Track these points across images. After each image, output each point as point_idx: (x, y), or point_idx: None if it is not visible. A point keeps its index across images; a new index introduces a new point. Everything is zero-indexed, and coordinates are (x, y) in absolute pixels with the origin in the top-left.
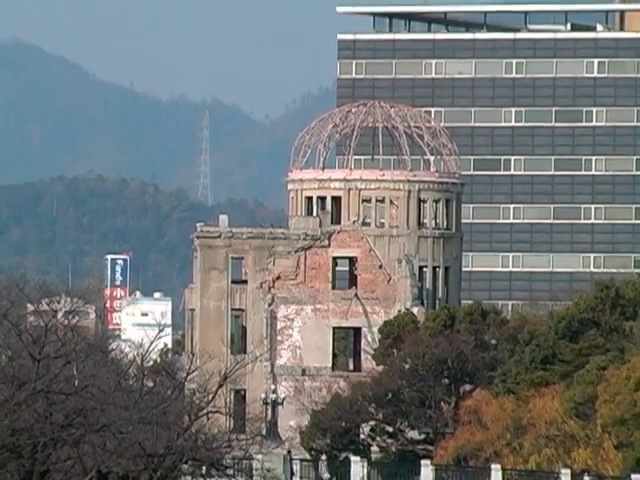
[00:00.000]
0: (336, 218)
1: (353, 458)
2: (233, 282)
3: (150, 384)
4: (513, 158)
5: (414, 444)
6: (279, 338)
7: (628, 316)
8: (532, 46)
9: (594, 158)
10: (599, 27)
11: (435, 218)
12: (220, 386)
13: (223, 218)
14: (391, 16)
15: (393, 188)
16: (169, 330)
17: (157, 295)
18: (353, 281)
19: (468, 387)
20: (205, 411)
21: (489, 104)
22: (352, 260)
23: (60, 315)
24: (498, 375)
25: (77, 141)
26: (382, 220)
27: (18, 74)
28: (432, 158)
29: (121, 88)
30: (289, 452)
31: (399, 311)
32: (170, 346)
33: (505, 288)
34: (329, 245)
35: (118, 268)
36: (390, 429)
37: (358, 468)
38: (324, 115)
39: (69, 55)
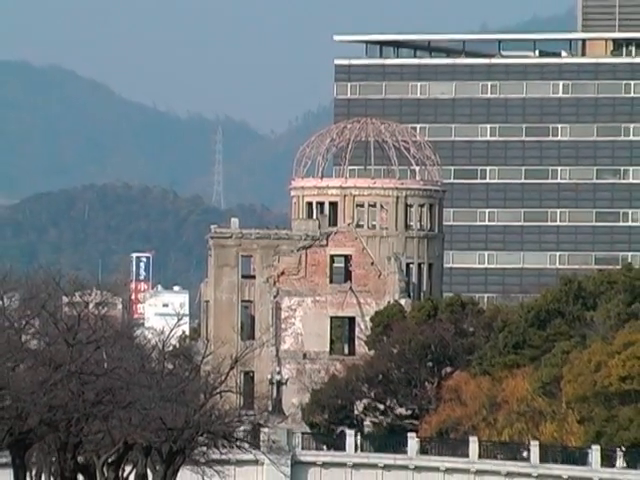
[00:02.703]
0: (333, 221)
1: (348, 431)
2: (243, 277)
3: (170, 366)
4: (488, 168)
5: (402, 419)
6: (283, 326)
7: (589, 307)
8: (504, 70)
9: (559, 168)
10: (563, 53)
11: (420, 221)
12: (231, 368)
13: (234, 221)
14: (381, 44)
15: (383, 194)
16: (187, 319)
17: (176, 288)
18: (348, 276)
19: (449, 369)
20: (218, 390)
21: (467, 121)
22: (347, 258)
23: (91, 306)
24: (475, 358)
25: (106, 153)
26: (374, 222)
27: (54, 95)
28: (417, 168)
29: (145, 107)
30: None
31: (388, 302)
32: (188, 333)
33: (481, 282)
34: (327, 244)
35: (142, 265)
36: (381, 406)
37: (352, 440)
38: (322, 130)
39: (99, 78)
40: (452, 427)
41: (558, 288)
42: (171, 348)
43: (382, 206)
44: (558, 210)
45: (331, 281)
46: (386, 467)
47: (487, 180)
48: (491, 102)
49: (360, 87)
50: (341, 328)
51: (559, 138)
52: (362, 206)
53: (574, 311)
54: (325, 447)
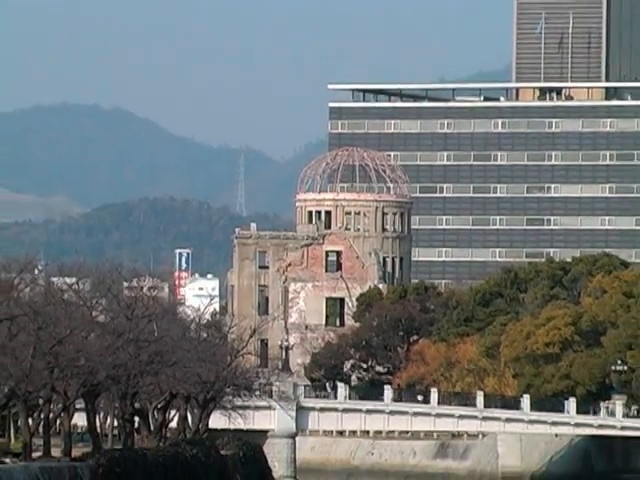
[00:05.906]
0: (328, 225)
1: (339, 384)
2: (260, 267)
3: (204, 335)
4: (445, 185)
5: (379, 375)
6: (290, 304)
7: (522, 290)
8: (458, 111)
9: (499, 185)
10: (502, 98)
11: (394, 225)
12: (251, 337)
13: (253, 225)
14: (364, 91)
15: (366, 205)
16: (217, 299)
17: (209, 276)
18: (339, 267)
19: (415, 337)
20: (241, 353)
21: (429, 149)
22: (339, 253)
23: (145, 289)
24: (435, 329)
25: (156, 174)
26: (358, 227)
27: (116, 131)
28: (391, 185)
29: (185, 139)
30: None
31: (370, 287)
32: (218, 310)
33: (440, 271)
34: (323, 243)
35: (183, 258)
36: (364, 365)
37: (342, 391)
38: (320, 157)
39: (152, 117)
40: (418, 381)
41: (498, 276)
42: (205, 321)
43: (365, 214)
44: (498, 217)
45: (326, 270)
46: (368, 411)
47: (444, 194)
48: (447, 135)
49: (348, 124)
50: (334, 306)
51: (499, 163)
52: (350, 214)
53: (510, 293)
54: (322, 396)
